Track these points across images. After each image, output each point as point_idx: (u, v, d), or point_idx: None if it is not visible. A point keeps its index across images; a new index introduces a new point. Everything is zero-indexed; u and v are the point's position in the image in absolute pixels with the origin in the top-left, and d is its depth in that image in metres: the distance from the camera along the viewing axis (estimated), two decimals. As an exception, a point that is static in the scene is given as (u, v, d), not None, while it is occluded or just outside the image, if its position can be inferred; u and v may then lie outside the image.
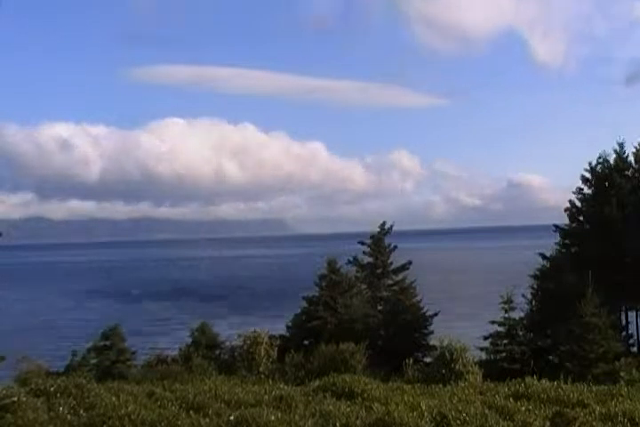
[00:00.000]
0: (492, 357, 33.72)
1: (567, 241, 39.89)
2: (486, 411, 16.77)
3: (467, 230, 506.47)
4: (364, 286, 42.38)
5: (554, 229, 40.55)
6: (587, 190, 39.92)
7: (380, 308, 41.03)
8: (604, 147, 39.89)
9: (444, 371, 27.24)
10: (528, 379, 21.77)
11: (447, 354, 27.65)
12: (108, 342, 33.97)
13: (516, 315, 35.23)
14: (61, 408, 16.54)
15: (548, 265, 38.65)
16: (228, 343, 36.28)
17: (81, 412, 16.40)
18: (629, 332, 38.52)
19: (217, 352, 35.45)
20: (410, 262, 42.97)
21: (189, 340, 36.54)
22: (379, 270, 42.69)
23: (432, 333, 38.31)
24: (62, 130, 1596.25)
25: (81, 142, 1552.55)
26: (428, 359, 34.46)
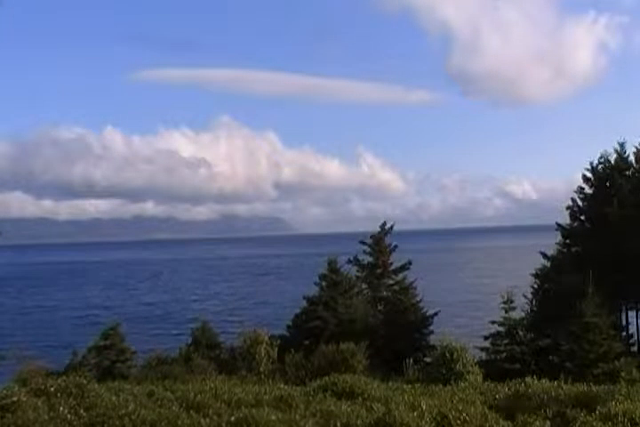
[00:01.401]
0: (493, 357, 33.75)
1: (568, 241, 39.95)
2: (487, 411, 16.76)
3: (520, 228, 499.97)
4: (364, 286, 42.44)
5: (556, 228, 40.64)
6: (588, 190, 40.00)
7: (380, 308, 41.08)
8: None
9: (444, 371, 27.24)
10: (528, 379, 21.73)
11: (447, 354, 27.65)
12: (108, 342, 33.99)
13: (517, 315, 35.29)
14: (62, 408, 16.49)
15: (549, 265, 38.71)
16: (227, 343, 36.33)
17: (81, 412, 16.36)
18: (629, 332, 38.57)
19: (217, 352, 35.47)
20: (410, 262, 42.99)
21: (189, 339, 36.62)
22: (379, 270, 42.72)
23: (432, 333, 38.37)
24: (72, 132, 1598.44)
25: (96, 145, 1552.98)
26: (428, 359, 34.47)
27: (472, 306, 74.57)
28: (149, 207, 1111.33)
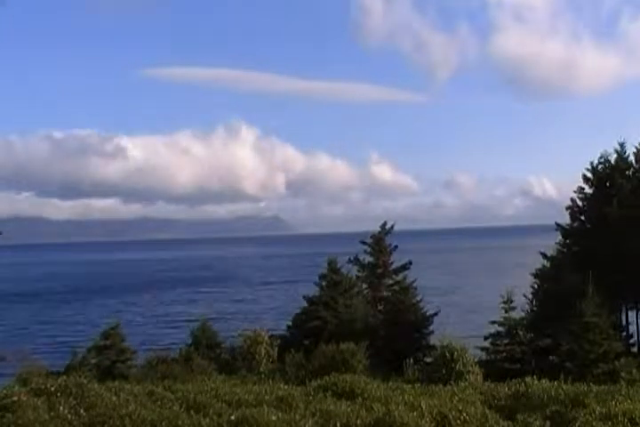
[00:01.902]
0: (493, 357, 33.74)
1: (568, 240, 39.95)
2: (487, 411, 16.79)
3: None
4: (364, 286, 42.43)
5: (555, 227, 40.63)
6: (588, 190, 39.99)
7: (380, 308, 41.08)
8: None
9: (444, 371, 27.26)
10: (528, 379, 21.75)
11: (447, 354, 27.66)
12: (108, 342, 33.97)
13: (517, 315, 35.29)
14: (62, 408, 16.50)
15: (549, 265, 38.71)
16: (227, 343, 36.34)
17: (81, 411, 16.37)
18: (629, 332, 38.55)
19: (217, 352, 35.47)
20: (410, 262, 42.99)
21: (189, 339, 36.61)
22: (379, 270, 42.72)
23: (432, 332, 38.35)
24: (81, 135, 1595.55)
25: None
26: (428, 359, 34.48)
27: (475, 305, 74.58)
28: (153, 207, 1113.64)
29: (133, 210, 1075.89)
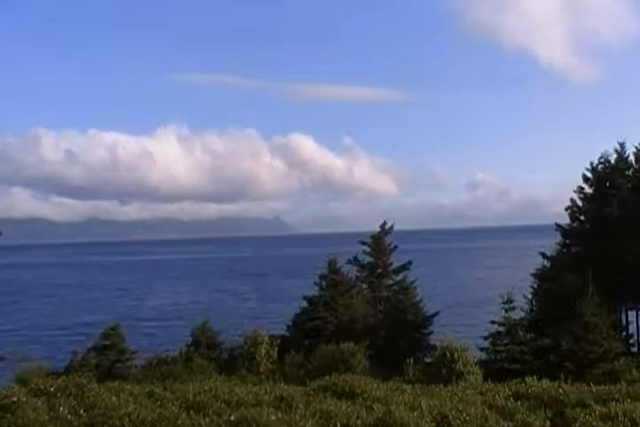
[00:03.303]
0: (493, 357, 33.73)
1: (568, 241, 39.94)
2: (487, 411, 16.77)
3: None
4: (364, 286, 42.44)
5: (555, 228, 40.61)
6: (588, 189, 39.98)
7: (380, 308, 41.10)
8: None
9: (444, 371, 27.28)
10: (528, 379, 21.74)
11: (448, 354, 27.66)
12: (108, 342, 34.01)
13: (517, 315, 35.27)
14: (61, 408, 16.49)
15: (549, 265, 38.71)
16: (227, 343, 36.35)
17: (81, 412, 16.35)
18: (629, 332, 38.56)
19: (217, 352, 35.49)
20: (410, 262, 42.96)
21: (189, 339, 36.61)
22: (379, 270, 42.72)
23: (432, 333, 38.37)
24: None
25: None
26: (428, 359, 34.49)
27: (476, 305, 74.65)
28: (153, 207, 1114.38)
29: (133, 210, 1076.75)
